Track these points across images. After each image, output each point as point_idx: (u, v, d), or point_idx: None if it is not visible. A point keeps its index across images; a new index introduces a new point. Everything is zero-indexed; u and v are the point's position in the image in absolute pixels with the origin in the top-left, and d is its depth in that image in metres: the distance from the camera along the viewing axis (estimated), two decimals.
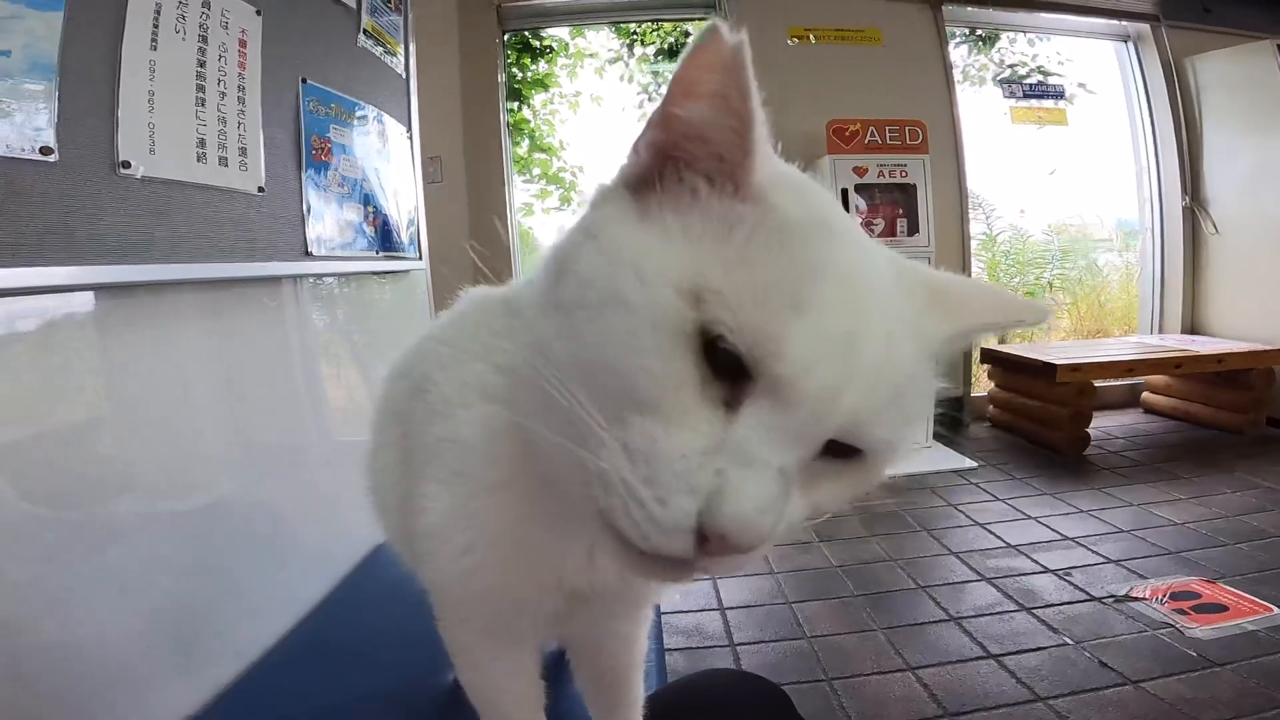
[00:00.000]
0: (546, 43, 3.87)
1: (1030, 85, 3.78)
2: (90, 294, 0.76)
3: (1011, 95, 3.72)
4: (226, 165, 0.91)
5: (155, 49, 0.81)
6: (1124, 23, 3.65)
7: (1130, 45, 3.75)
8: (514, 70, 3.76)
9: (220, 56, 0.93)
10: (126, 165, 0.74)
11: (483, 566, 0.42)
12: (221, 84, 0.92)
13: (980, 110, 3.71)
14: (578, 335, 0.28)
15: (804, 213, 0.29)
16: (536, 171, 4.01)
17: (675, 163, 0.30)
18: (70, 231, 0.67)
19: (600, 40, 3.95)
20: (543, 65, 3.90)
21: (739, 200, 0.29)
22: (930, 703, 1.35)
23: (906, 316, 0.31)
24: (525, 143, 3.94)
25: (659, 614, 1.05)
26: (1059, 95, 3.80)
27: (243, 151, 0.94)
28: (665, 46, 3.93)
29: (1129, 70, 3.78)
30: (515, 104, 3.77)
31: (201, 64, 0.89)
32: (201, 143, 0.87)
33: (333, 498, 1.21)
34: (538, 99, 3.93)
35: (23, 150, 0.62)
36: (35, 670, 0.66)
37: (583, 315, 0.28)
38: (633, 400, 0.26)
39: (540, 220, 4.12)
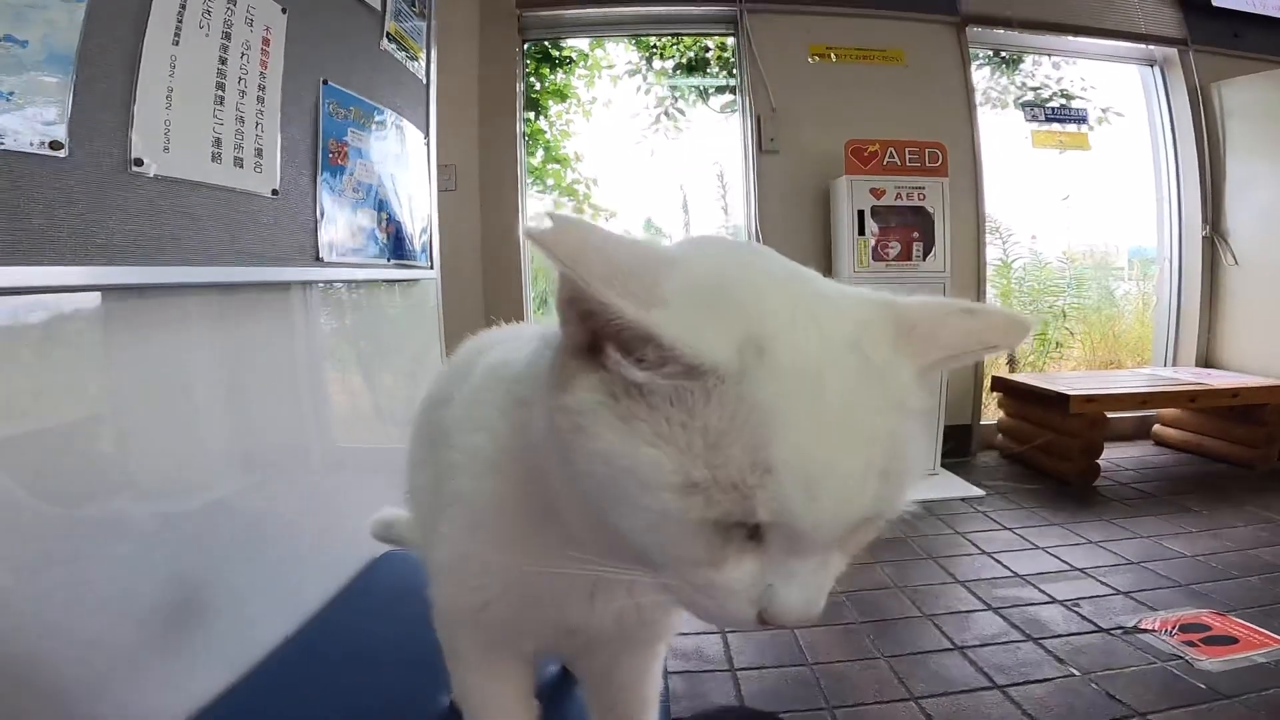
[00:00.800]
0: (566, 53, 3.89)
1: (1053, 109, 3.75)
2: (97, 294, 0.76)
3: (1034, 119, 3.68)
4: (241, 166, 0.90)
5: (178, 44, 0.81)
6: (1151, 47, 3.60)
7: (1156, 70, 3.70)
8: (532, 80, 3.77)
9: (243, 54, 0.92)
10: (139, 163, 0.73)
11: (491, 604, 0.45)
12: (242, 82, 0.92)
13: (1001, 133, 3.68)
14: (601, 505, 0.31)
15: (728, 350, 0.28)
16: (550, 182, 4.02)
17: (603, 336, 0.30)
18: (78, 229, 0.66)
19: (619, 52, 3.97)
20: (561, 75, 3.92)
21: (669, 373, 0.28)
22: None
23: (873, 391, 0.30)
24: (540, 153, 3.95)
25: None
26: (1081, 120, 3.76)
27: (259, 153, 0.94)
28: (684, 61, 3.95)
29: (1154, 95, 3.74)
30: (532, 114, 3.78)
31: (223, 61, 0.89)
32: (218, 142, 0.86)
33: (334, 505, 1.20)
34: (554, 109, 3.95)
35: (31, 144, 0.62)
36: (25, 668, 0.65)
37: (600, 496, 0.31)
38: (675, 559, 0.30)
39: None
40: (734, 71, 3.54)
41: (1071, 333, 4.31)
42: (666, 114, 3.95)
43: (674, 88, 3.94)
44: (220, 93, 0.88)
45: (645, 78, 3.97)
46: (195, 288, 0.88)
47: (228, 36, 0.89)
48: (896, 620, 1.78)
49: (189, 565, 0.86)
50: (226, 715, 0.79)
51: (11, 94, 0.60)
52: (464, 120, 3.12)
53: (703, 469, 0.28)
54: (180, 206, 0.80)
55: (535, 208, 3.74)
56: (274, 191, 0.97)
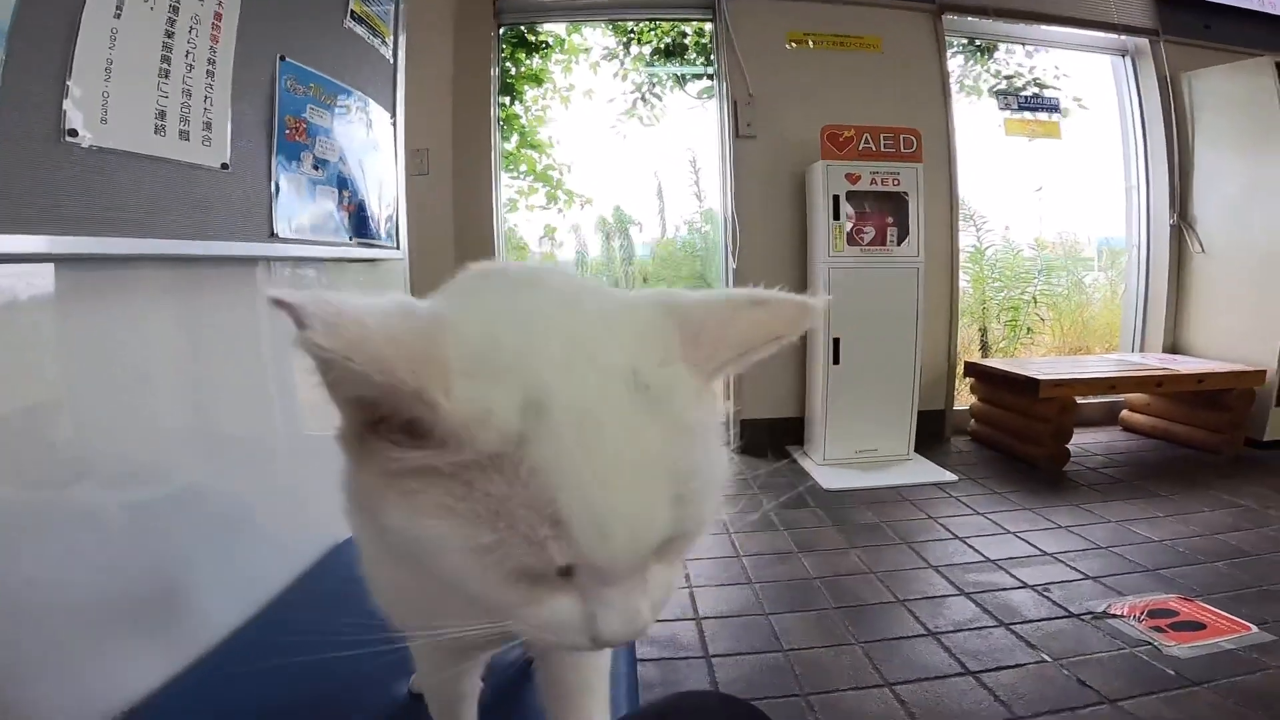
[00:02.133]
0: (542, 38, 3.83)
1: (1026, 97, 3.79)
2: (49, 270, 0.72)
3: (1007, 107, 3.72)
4: (188, 139, 0.86)
5: (119, 17, 0.76)
6: (1123, 37, 3.64)
7: (1128, 60, 3.75)
8: (508, 65, 3.71)
9: (191, 29, 0.88)
10: (73, 133, 0.69)
11: (410, 618, 0.43)
12: (190, 56, 0.87)
13: (975, 121, 3.72)
14: (413, 567, 0.32)
15: (512, 422, 0.28)
16: (524, 168, 3.96)
17: (382, 416, 0.30)
18: (9, 199, 0.63)
19: (595, 37, 3.91)
20: (537, 60, 3.86)
21: (450, 450, 0.28)
22: None
23: (655, 422, 0.30)
24: (515, 138, 3.89)
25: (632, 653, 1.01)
26: (1054, 108, 3.80)
27: (207, 126, 0.89)
28: (662, 46, 3.91)
29: (1125, 85, 3.79)
30: (507, 99, 3.72)
31: (170, 35, 0.85)
32: (161, 115, 0.82)
33: (295, 491, 1.17)
34: (530, 94, 3.89)
35: None
36: None
37: (408, 560, 0.32)
38: (497, 607, 0.31)
39: (525, 216, 4.08)
40: (711, 58, 3.52)
41: (1042, 319, 4.37)
42: (643, 99, 3.92)
43: (652, 73, 3.91)
44: (166, 65, 0.84)
45: (622, 63, 3.93)
46: (145, 262, 0.84)
47: (175, 10, 0.85)
48: (871, 605, 1.79)
49: (146, 553, 0.84)
50: (177, 701, 0.78)
51: None
52: (438, 105, 3.07)
53: (489, 533, 0.28)
54: (120, 178, 0.76)
55: (509, 193, 3.70)
56: (223, 165, 0.92)
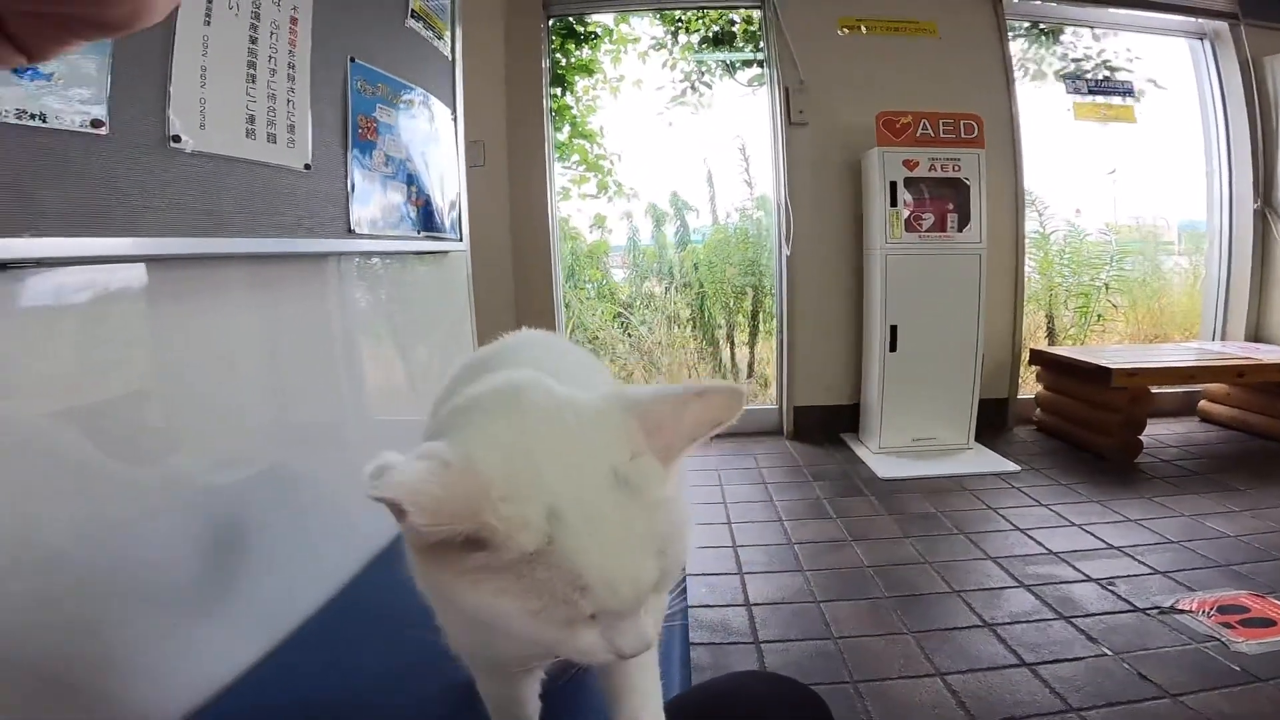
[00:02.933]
0: (591, 28, 3.85)
1: (1096, 81, 3.63)
2: (141, 266, 0.78)
3: (1076, 91, 3.58)
4: (275, 142, 0.92)
5: (209, 24, 0.82)
6: (1200, 20, 3.50)
7: (1206, 43, 3.59)
8: (558, 56, 3.76)
9: (272, 33, 0.94)
10: (177, 139, 0.75)
11: (478, 651, 0.55)
12: (272, 60, 0.93)
13: (1040, 105, 3.57)
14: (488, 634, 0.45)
15: (538, 526, 0.38)
16: (575, 158, 4.01)
17: (450, 543, 0.39)
18: (121, 203, 0.69)
19: (643, 27, 3.91)
20: (586, 51, 3.89)
21: (506, 554, 0.38)
22: (958, 710, 1.32)
23: (636, 508, 0.41)
24: (566, 128, 3.94)
25: (685, 608, 1.04)
26: (1127, 92, 3.64)
27: (291, 129, 0.96)
28: (710, 34, 3.88)
29: (1204, 69, 3.62)
30: (558, 90, 3.77)
31: (253, 40, 0.90)
32: (251, 119, 0.88)
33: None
34: (580, 85, 3.93)
35: (73, 123, 0.64)
36: (85, 626, 0.69)
37: (485, 629, 0.43)
38: (548, 644, 0.43)
39: (578, 205, 4.13)
40: (760, 45, 3.48)
41: (1115, 305, 4.18)
42: (693, 88, 3.91)
43: (700, 62, 3.89)
44: (252, 71, 0.90)
45: (671, 52, 3.92)
46: (234, 259, 0.91)
47: (256, 16, 0.91)
48: (924, 595, 1.78)
49: (229, 536, 0.89)
50: (261, 684, 0.83)
51: (51, 75, 0.63)
52: (491, 97, 3.14)
53: (537, 601, 0.39)
54: (218, 180, 0.82)
55: (562, 182, 3.76)
56: (306, 166, 0.98)
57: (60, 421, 0.69)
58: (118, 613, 0.72)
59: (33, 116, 0.61)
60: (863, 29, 3.25)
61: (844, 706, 1.35)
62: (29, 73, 0.60)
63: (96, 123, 0.67)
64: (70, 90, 0.64)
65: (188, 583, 0.81)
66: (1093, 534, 2.11)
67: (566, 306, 3.72)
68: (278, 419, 1.04)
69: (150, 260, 0.77)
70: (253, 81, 0.90)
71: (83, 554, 0.68)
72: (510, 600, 0.40)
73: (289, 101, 0.96)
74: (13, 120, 0.59)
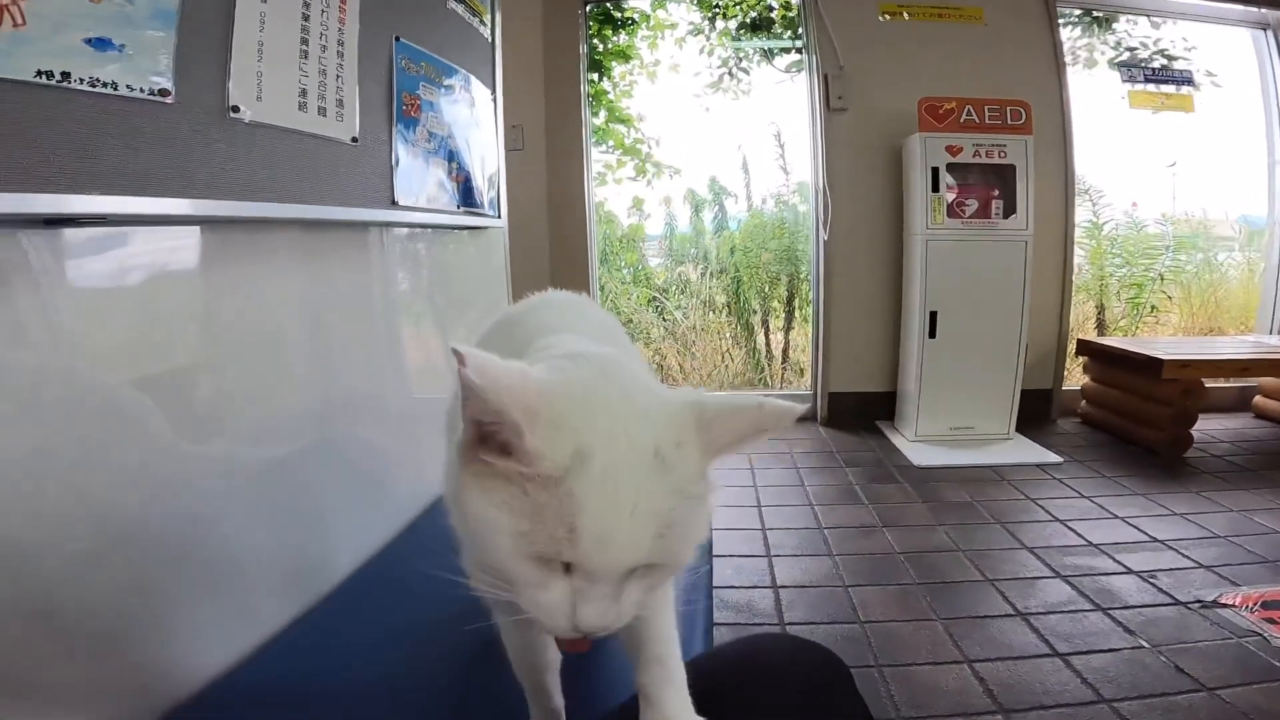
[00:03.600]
0: (628, 14, 3.85)
1: (1153, 69, 3.49)
2: (196, 241, 0.83)
3: (1131, 79, 3.46)
4: (325, 115, 0.96)
5: (265, 1, 0.86)
6: (1263, 10, 3.35)
7: (1270, 34, 3.44)
8: (595, 41, 3.77)
9: (323, 11, 0.98)
10: (236, 110, 0.80)
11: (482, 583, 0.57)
12: (323, 37, 0.97)
13: (1092, 94, 3.46)
14: (475, 540, 0.46)
15: (564, 459, 0.41)
16: (611, 143, 4.02)
17: (487, 435, 0.43)
18: (184, 168, 0.73)
19: (680, 12, 3.90)
20: (623, 37, 3.89)
21: (523, 465, 0.41)
22: (984, 697, 1.30)
23: (659, 482, 0.42)
24: (603, 113, 3.95)
25: (710, 588, 1.05)
26: (1186, 81, 3.50)
27: (340, 103, 1.00)
28: (748, 20, 3.84)
29: (1267, 59, 3.47)
30: (595, 75, 3.78)
31: (305, 18, 0.94)
32: (303, 92, 0.92)
33: (404, 450, 1.28)
34: (617, 70, 3.93)
35: (142, 91, 0.68)
36: (145, 584, 0.74)
37: (473, 534, 0.45)
38: (516, 581, 0.44)
39: (614, 190, 4.15)
40: (799, 31, 3.43)
41: (1169, 297, 4.02)
42: (730, 74, 3.88)
43: (738, 48, 3.86)
44: (304, 47, 0.94)
45: (708, 38, 3.90)
46: (284, 228, 0.95)
47: None
48: (956, 583, 1.76)
49: (274, 505, 0.94)
50: (302, 640, 0.88)
51: (123, 46, 0.67)
52: (530, 82, 3.16)
53: (527, 523, 0.42)
54: (273, 150, 0.86)
55: (597, 167, 3.78)
56: (354, 139, 1.03)
57: (123, 389, 0.74)
58: (165, 571, 0.76)
59: (105, 84, 0.65)
60: (905, 15, 3.19)
61: (868, 690, 1.34)
62: (103, 44, 0.65)
63: (164, 92, 0.71)
64: (140, 62, 0.69)
65: (231, 546, 0.86)
66: (1136, 527, 2.05)
67: (602, 289, 3.75)
68: (321, 391, 1.08)
69: (208, 222, 0.82)
70: (305, 57, 0.94)
71: (137, 515, 0.73)
72: (507, 514, 0.42)
73: (338, 77, 1.00)
74: (86, 88, 0.63)
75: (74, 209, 0.62)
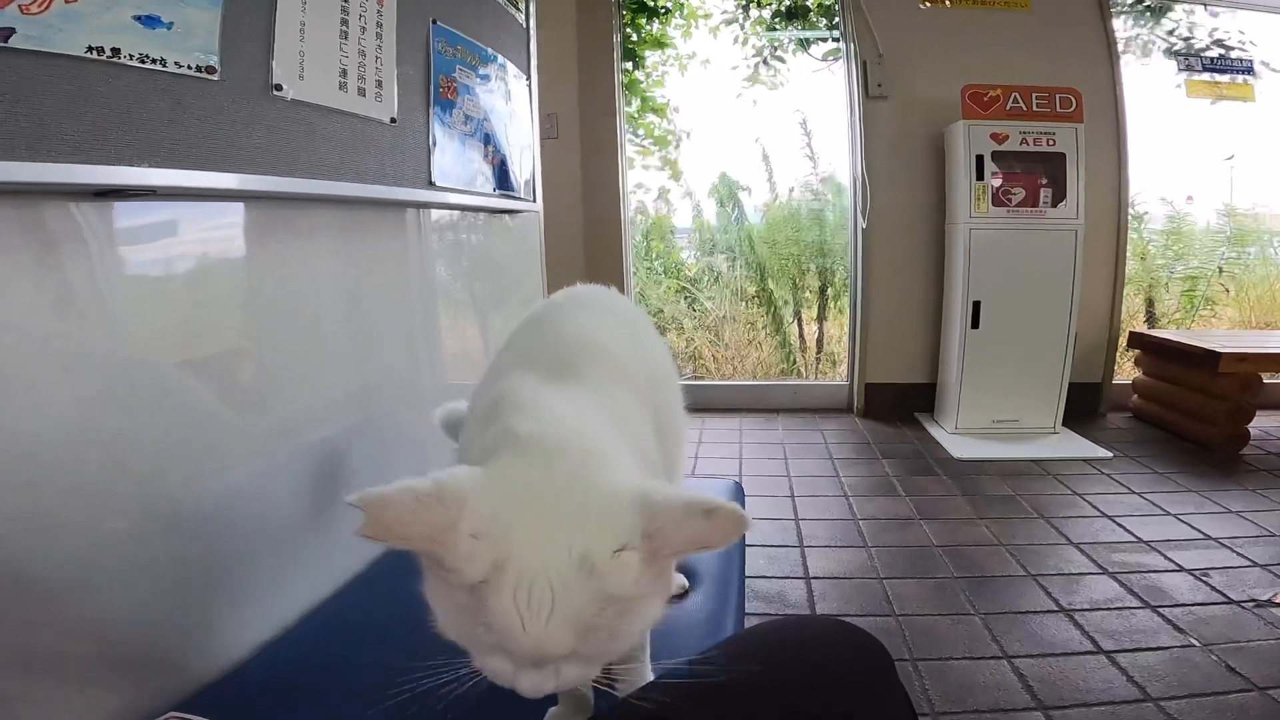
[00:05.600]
0: (662, 3, 3.82)
1: (1212, 59, 3.34)
2: (239, 224, 0.85)
3: (1188, 68, 3.33)
4: (364, 95, 0.98)
5: None
6: None
7: None
8: (629, 31, 3.75)
9: None
10: (279, 88, 0.82)
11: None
12: (362, 19, 0.99)
13: (1145, 83, 3.34)
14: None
15: (480, 566, 0.43)
16: (640, 133, 4.01)
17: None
18: (229, 143, 0.75)
19: (715, 1, 3.85)
20: (656, 26, 3.87)
21: (449, 571, 0.44)
22: (1024, 693, 1.26)
23: (581, 589, 0.43)
24: (635, 103, 3.94)
25: (742, 578, 1.04)
26: (1246, 70, 3.34)
27: (379, 84, 1.01)
28: (783, 9, 3.77)
29: None
30: (629, 65, 3.76)
31: (345, 0, 0.96)
32: (344, 73, 0.94)
33: (439, 434, 1.28)
34: (650, 59, 3.91)
35: (189, 68, 0.70)
36: (187, 556, 0.76)
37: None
38: (470, 649, 0.47)
39: (642, 176, 4.14)
40: (835, 20, 3.36)
41: (1227, 290, 3.84)
42: (765, 63, 3.82)
43: (773, 38, 3.80)
44: (344, 28, 0.96)
45: (742, 27, 3.84)
46: (325, 203, 0.97)
47: None
48: (996, 578, 1.71)
49: (310, 485, 0.96)
50: (335, 612, 0.90)
51: (172, 24, 0.69)
52: (564, 70, 3.17)
53: (455, 615, 0.46)
54: (314, 128, 0.88)
55: (631, 153, 3.77)
56: (392, 120, 1.04)
57: (165, 364, 0.76)
58: (202, 547, 0.78)
59: (154, 60, 0.67)
60: (946, 1, 3.12)
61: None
62: (152, 21, 0.67)
63: (210, 69, 0.73)
64: (187, 39, 0.71)
65: (269, 523, 0.88)
66: (1188, 524, 1.97)
67: (635, 273, 3.75)
68: (358, 376, 1.09)
69: (252, 197, 0.84)
70: (345, 38, 0.95)
71: (177, 489, 0.75)
72: (442, 604, 0.47)
73: (377, 58, 1.01)
74: (135, 64, 0.65)
75: (122, 180, 0.64)
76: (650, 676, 0.65)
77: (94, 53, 0.62)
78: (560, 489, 0.46)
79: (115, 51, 0.63)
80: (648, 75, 3.94)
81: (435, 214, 1.31)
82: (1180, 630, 1.44)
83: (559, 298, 0.79)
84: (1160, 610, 1.52)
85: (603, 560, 0.43)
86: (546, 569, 0.43)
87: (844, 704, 0.52)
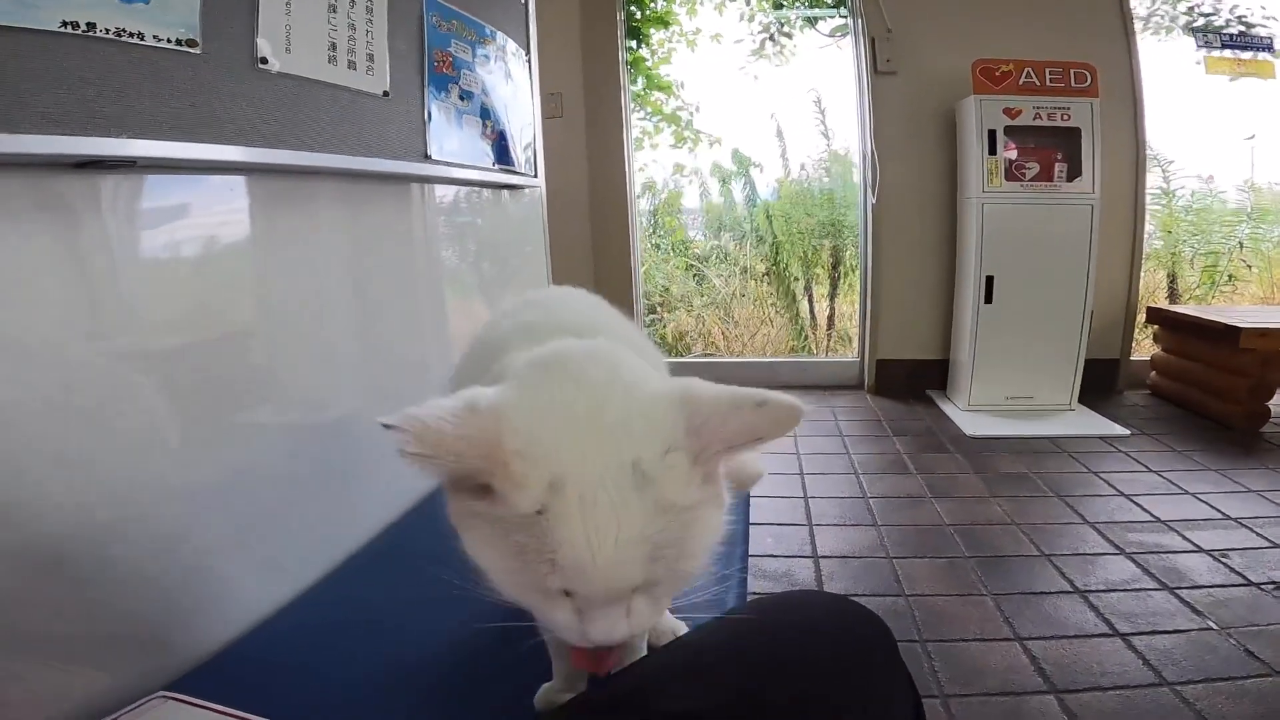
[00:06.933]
0: None
1: (1231, 35, 3.25)
2: (245, 200, 0.84)
3: (1206, 45, 3.24)
4: (355, 69, 0.95)
5: None
6: None
7: None
8: (632, 8, 3.68)
9: None
10: (265, 61, 0.79)
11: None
12: None
13: (1162, 59, 3.26)
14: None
15: (537, 491, 0.39)
16: (649, 110, 3.95)
17: (459, 480, 0.42)
18: (212, 116, 0.74)
19: None
20: (660, 2, 3.79)
21: (499, 508, 0.40)
22: (1035, 676, 1.24)
23: (641, 501, 0.39)
24: (641, 81, 3.88)
25: (746, 557, 1.02)
26: (1266, 47, 3.24)
27: (370, 57, 0.99)
28: None
29: None
30: (634, 42, 3.70)
31: None
32: (333, 46, 0.92)
33: None
34: (655, 37, 3.84)
35: (169, 41, 0.68)
36: (177, 543, 0.75)
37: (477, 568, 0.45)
38: (525, 605, 0.44)
39: (652, 155, 4.09)
40: None
41: (1249, 265, 3.76)
42: (771, 39, 3.74)
43: (780, 16, 3.71)
44: (333, 2, 0.93)
45: (748, 3, 3.76)
46: (323, 178, 0.96)
47: None
48: (1009, 558, 1.69)
49: (315, 467, 0.96)
50: (323, 596, 0.89)
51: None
52: (567, 48, 3.13)
53: (514, 561, 0.41)
54: (303, 101, 0.86)
55: (637, 133, 3.72)
56: (385, 93, 1.02)
57: (176, 354, 0.76)
58: (199, 525, 0.78)
59: (131, 35, 0.65)
60: None
61: (911, 666, 1.28)
62: None
63: (191, 42, 0.71)
64: (166, 13, 0.69)
65: (268, 500, 0.87)
66: (1207, 503, 1.93)
67: (646, 252, 3.72)
68: (364, 357, 1.08)
69: (239, 169, 0.82)
70: (334, 11, 0.93)
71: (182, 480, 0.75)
72: (493, 552, 0.42)
73: (367, 32, 0.98)
74: (112, 37, 0.63)
75: (102, 151, 0.62)
76: (643, 651, 0.63)
77: (69, 27, 0.60)
78: (597, 397, 0.42)
79: (91, 26, 0.62)
80: (653, 53, 3.87)
81: (436, 190, 1.29)
82: (1198, 613, 1.42)
83: (533, 295, 0.75)
84: (1178, 592, 1.50)
85: (654, 465, 0.40)
86: (604, 480, 0.39)
87: (841, 683, 0.49)
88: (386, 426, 0.38)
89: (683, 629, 0.69)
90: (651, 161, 4.12)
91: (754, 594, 1.53)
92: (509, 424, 0.40)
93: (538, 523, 0.39)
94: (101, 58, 0.63)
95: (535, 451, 0.39)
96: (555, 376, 0.44)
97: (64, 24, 0.60)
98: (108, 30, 0.63)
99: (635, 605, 0.42)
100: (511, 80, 1.47)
